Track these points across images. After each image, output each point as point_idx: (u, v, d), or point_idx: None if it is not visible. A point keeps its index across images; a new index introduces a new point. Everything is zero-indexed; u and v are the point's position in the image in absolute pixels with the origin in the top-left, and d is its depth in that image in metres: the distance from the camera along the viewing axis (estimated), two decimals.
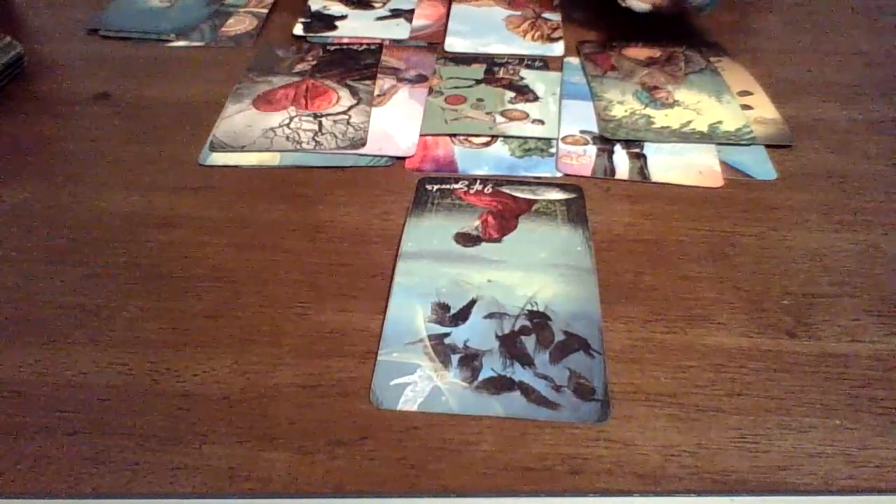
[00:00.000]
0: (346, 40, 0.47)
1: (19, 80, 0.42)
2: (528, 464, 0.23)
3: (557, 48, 0.46)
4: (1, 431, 0.24)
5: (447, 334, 0.26)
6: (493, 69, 0.43)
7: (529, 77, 0.43)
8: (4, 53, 0.42)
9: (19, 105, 0.41)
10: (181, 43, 0.47)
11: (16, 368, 0.26)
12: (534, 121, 0.39)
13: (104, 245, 0.31)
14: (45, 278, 0.29)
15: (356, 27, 0.48)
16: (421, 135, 0.38)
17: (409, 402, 0.24)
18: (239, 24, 0.49)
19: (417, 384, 0.25)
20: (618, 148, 0.37)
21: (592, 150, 0.37)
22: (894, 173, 0.35)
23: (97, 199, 0.34)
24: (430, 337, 0.26)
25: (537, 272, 0.29)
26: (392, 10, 0.50)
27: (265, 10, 0.50)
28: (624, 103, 0.40)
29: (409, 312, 0.27)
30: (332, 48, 0.46)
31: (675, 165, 0.36)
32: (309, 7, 0.51)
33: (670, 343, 0.27)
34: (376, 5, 0.51)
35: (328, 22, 0.49)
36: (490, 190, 0.33)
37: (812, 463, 0.23)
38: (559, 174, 0.35)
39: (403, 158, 0.36)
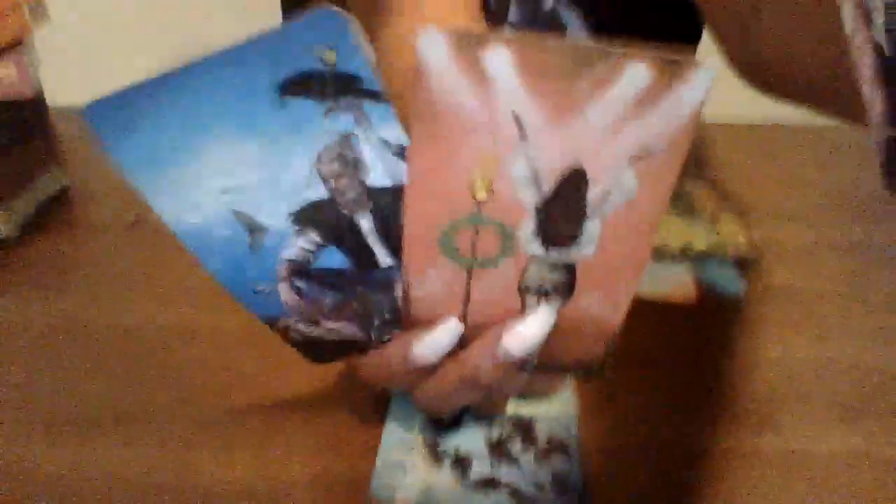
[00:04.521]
0: None
1: (63, 206, 0.47)
2: None
3: None
4: None
5: (440, 438, 0.29)
6: None
7: None
8: (52, 185, 0.47)
9: (61, 230, 0.45)
10: None
11: (50, 463, 0.28)
12: None
13: (136, 356, 0.34)
14: (80, 385, 0.32)
15: None
16: None
17: (404, 501, 0.27)
18: None
19: (413, 484, 0.27)
20: None
21: None
22: (848, 291, 0.39)
23: (131, 315, 0.37)
24: (425, 441, 0.29)
25: None
26: None
27: None
28: None
29: (407, 419, 0.30)
30: None
31: (651, 281, 0.39)
32: None
33: (649, 443, 0.29)
34: None
35: None
36: None
37: None
38: None
39: None
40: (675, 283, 0.39)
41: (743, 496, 0.27)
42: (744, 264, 0.41)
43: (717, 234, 0.44)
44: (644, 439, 0.29)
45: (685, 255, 0.41)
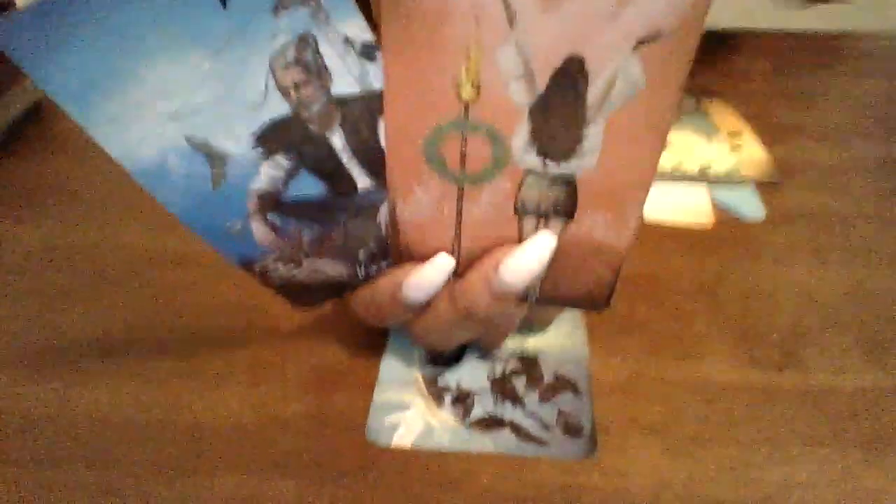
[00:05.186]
0: None
1: (37, 122, 0.44)
2: (526, 494, 0.24)
3: None
4: (17, 462, 0.25)
5: (440, 375, 0.28)
6: None
7: None
8: (24, 98, 0.44)
9: (37, 147, 0.42)
10: None
11: (34, 401, 0.27)
12: None
13: (121, 281, 0.32)
14: (62, 314, 0.31)
15: None
16: None
17: (403, 438, 0.25)
18: None
19: (411, 422, 0.26)
20: None
21: None
22: (878, 212, 0.36)
23: (113, 238, 0.35)
24: (425, 378, 0.27)
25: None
26: None
27: None
28: None
29: (406, 354, 0.28)
30: None
31: (666, 205, 0.37)
32: None
33: (663, 377, 0.28)
34: None
35: None
36: None
37: (800, 492, 0.24)
38: None
39: None
40: (693, 207, 0.37)
41: (762, 436, 0.25)
42: (766, 186, 0.38)
43: (738, 154, 0.41)
44: (658, 375, 0.28)
45: (703, 177, 0.39)
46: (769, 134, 0.43)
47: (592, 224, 0.22)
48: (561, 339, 0.29)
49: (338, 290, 0.24)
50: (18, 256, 0.34)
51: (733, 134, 0.43)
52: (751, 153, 0.41)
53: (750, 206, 0.37)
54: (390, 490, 0.24)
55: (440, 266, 0.22)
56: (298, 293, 0.24)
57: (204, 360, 0.28)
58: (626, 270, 0.32)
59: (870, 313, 0.30)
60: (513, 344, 0.29)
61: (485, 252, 0.22)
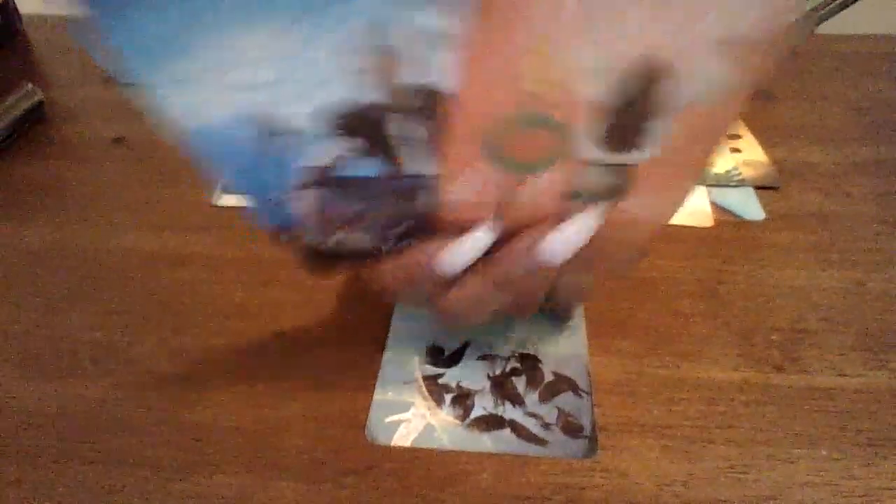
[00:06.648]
0: None
1: (39, 124, 0.44)
2: (526, 493, 0.24)
3: None
4: (20, 461, 0.25)
5: (441, 375, 0.28)
6: None
7: None
8: (26, 100, 0.44)
9: (39, 149, 0.42)
10: None
11: (36, 400, 0.27)
12: None
13: (120, 283, 0.32)
14: (63, 315, 0.31)
15: None
16: None
17: (403, 438, 0.25)
18: None
19: (411, 421, 0.26)
20: None
21: None
22: (877, 213, 0.37)
23: (113, 239, 0.35)
24: (425, 377, 0.27)
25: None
26: None
27: None
28: None
29: (405, 354, 0.28)
30: None
31: None
32: None
33: (663, 376, 0.28)
34: None
35: None
36: None
37: (800, 493, 0.24)
38: None
39: None
40: (692, 209, 0.37)
41: (762, 436, 0.25)
42: (765, 187, 0.38)
43: (738, 156, 0.41)
44: (658, 375, 0.28)
45: (703, 178, 0.39)
46: (769, 137, 0.43)
47: (640, 207, 0.21)
48: (561, 339, 0.29)
49: (360, 260, 0.24)
50: (20, 257, 0.34)
51: (733, 137, 0.43)
52: (750, 155, 0.41)
53: (749, 207, 0.37)
54: (390, 489, 0.24)
55: (480, 238, 0.22)
56: (320, 261, 0.24)
57: (204, 360, 0.28)
58: None
59: (869, 314, 0.30)
60: (513, 343, 0.29)
61: (525, 227, 0.22)
